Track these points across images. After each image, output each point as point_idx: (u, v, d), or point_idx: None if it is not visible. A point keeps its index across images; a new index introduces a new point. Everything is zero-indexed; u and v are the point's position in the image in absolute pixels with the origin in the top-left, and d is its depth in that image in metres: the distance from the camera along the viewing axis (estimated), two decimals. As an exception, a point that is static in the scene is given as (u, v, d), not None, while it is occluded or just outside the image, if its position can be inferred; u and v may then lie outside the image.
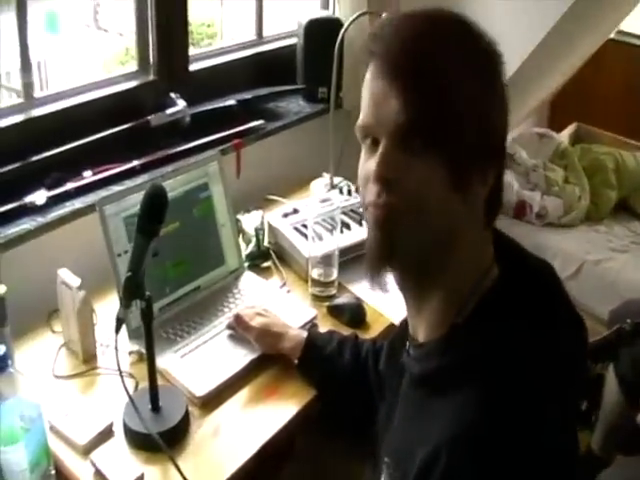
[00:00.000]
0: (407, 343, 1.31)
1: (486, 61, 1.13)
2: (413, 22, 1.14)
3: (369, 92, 1.14)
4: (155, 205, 1.56)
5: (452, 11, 1.17)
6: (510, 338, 1.11)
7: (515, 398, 1.06)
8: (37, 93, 2.33)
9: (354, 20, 2.63)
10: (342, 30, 2.63)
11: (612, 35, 4.04)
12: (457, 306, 1.16)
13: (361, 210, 2.40)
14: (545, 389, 1.10)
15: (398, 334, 1.42)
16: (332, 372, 1.81)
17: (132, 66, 2.67)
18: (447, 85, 1.07)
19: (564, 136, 4.19)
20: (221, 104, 2.71)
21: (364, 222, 1.23)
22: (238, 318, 1.93)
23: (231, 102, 2.72)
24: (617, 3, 3.46)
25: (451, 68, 1.08)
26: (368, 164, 1.15)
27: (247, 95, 2.81)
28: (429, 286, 1.20)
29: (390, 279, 1.23)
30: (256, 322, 1.92)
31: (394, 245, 1.15)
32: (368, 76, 1.14)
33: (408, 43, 1.10)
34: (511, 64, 3.02)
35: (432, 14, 1.17)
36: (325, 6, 3.39)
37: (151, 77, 2.60)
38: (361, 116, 1.15)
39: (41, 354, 1.92)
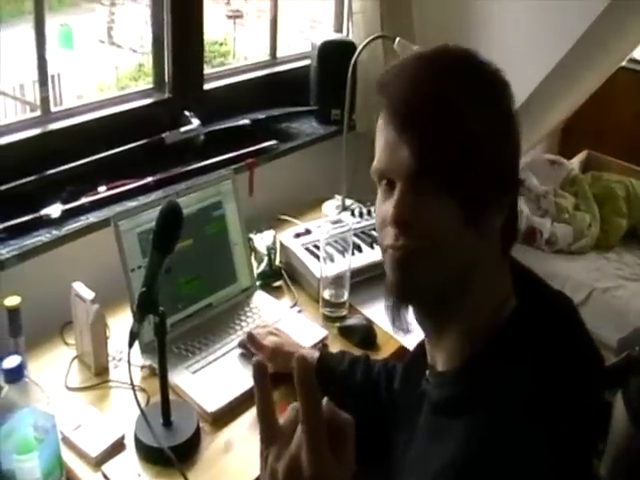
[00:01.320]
0: (427, 372, 1.32)
1: (493, 93, 1.15)
2: (417, 69, 1.16)
3: (382, 138, 1.16)
4: (171, 222, 1.58)
5: (457, 47, 1.20)
6: (526, 371, 1.11)
7: (522, 432, 1.06)
8: (52, 107, 2.35)
9: (367, 44, 2.65)
10: (356, 53, 2.65)
11: (623, 63, 4.05)
12: (475, 337, 1.17)
13: (373, 232, 2.42)
14: (558, 423, 1.10)
15: (414, 359, 1.41)
16: (343, 392, 1.80)
17: (145, 82, 2.69)
18: (455, 128, 1.09)
19: (575, 163, 4.20)
20: (235, 123, 2.73)
21: (383, 263, 1.22)
22: (251, 337, 1.93)
23: (245, 122, 2.74)
24: (629, 32, 3.47)
25: (458, 109, 1.10)
26: (385, 207, 1.17)
27: (260, 115, 2.83)
28: (447, 320, 1.21)
29: (410, 317, 1.25)
30: (268, 341, 1.92)
31: (413, 285, 1.17)
32: (380, 122, 1.17)
33: (412, 92, 1.12)
34: (523, 90, 3.06)
35: (435, 55, 1.20)
36: (339, 29, 3.42)
37: (166, 95, 2.63)
38: (376, 160, 1.18)
39: (54, 365, 1.93)
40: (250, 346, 1.94)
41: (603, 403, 2.64)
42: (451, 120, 1.10)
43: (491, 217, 1.14)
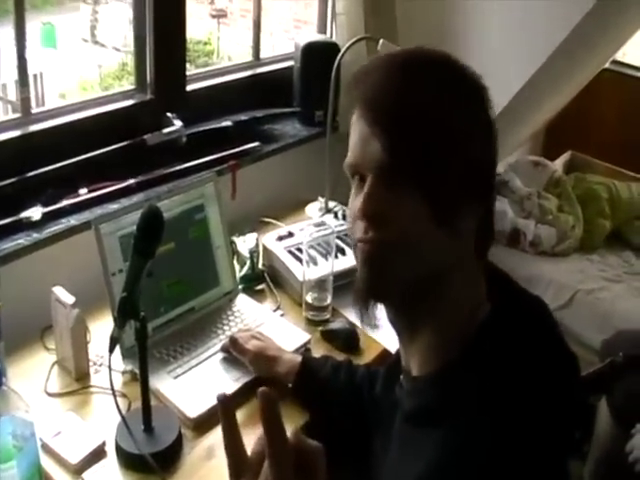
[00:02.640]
0: (401, 376, 1.31)
1: (468, 96, 1.15)
2: (391, 65, 1.17)
3: (355, 133, 1.17)
4: (151, 226, 1.57)
5: (434, 49, 1.20)
6: (501, 376, 1.11)
7: (501, 439, 1.06)
8: (33, 106, 2.33)
9: (351, 45, 2.64)
10: (339, 55, 2.64)
11: (607, 65, 4.06)
12: (448, 341, 1.16)
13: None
14: (535, 427, 1.10)
15: (393, 364, 1.41)
16: (326, 396, 1.80)
17: (128, 82, 2.67)
18: (426, 125, 1.09)
19: (558, 164, 4.21)
20: (217, 125, 2.71)
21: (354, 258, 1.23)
22: (233, 341, 1.92)
23: (227, 123, 2.73)
24: (613, 34, 3.48)
25: (430, 107, 1.10)
26: (356, 201, 1.16)
27: (243, 116, 2.82)
28: (419, 321, 1.20)
29: (381, 313, 1.24)
30: (251, 345, 1.91)
31: (382, 281, 1.16)
32: (354, 117, 1.17)
33: (385, 87, 1.12)
34: (508, 91, 3.06)
35: (411, 54, 1.21)
36: (322, 30, 3.41)
37: (148, 96, 2.61)
38: (349, 155, 1.18)
39: (34, 371, 1.90)
40: (233, 350, 1.93)
41: (582, 407, 2.65)
42: (422, 117, 1.10)
43: (464, 218, 1.13)
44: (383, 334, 2.07)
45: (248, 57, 3.22)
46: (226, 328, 2.09)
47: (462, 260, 1.17)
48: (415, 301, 1.18)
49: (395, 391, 1.32)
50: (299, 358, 1.87)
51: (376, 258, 1.15)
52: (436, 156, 1.09)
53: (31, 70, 2.33)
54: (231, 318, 2.13)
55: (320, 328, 2.15)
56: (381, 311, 1.23)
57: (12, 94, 4.56)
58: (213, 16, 6.95)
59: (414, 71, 1.14)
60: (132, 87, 2.64)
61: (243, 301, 2.22)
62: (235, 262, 2.30)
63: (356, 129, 1.16)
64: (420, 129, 1.09)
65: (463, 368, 1.13)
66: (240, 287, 2.26)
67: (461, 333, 1.15)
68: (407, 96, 1.11)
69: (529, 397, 1.11)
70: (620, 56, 4.32)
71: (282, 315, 2.22)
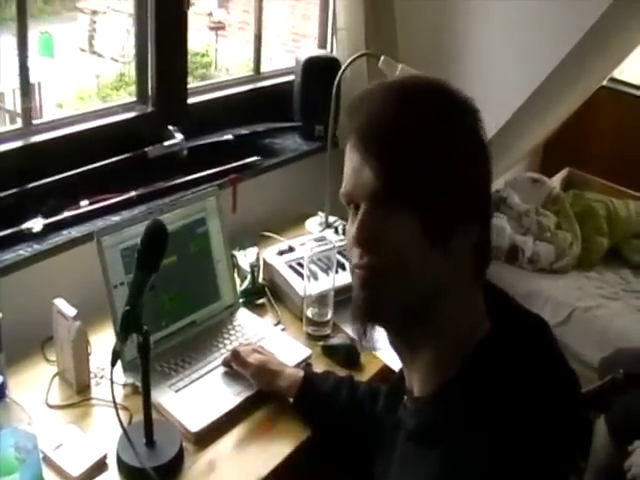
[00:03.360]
0: (405, 397, 1.32)
1: (461, 122, 1.18)
2: (383, 94, 1.20)
3: (348, 163, 1.20)
4: (156, 241, 1.57)
5: (427, 77, 1.26)
6: (500, 396, 1.12)
7: (501, 458, 1.07)
8: (33, 119, 2.33)
9: (352, 62, 2.65)
10: (340, 71, 2.65)
11: (604, 83, 4.08)
12: (448, 361, 1.18)
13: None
14: (533, 445, 1.11)
15: (397, 383, 1.42)
16: (328, 412, 1.81)
17: (126, 92, 2.68)
18: (417, 153, 1.12)
19: (556, 181, 4.21)
20: (218, 139, 2.72)
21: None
22: (235, 354, 1.92)
23: (228, 137, 2.73)
24: (610, 52, 3.49)
25: (421, 136, 1.13)
26: (351, 229, 1.19)
27: (244, 130, 2.82)
28: (418, 341, 1.23)
29: (381, 334, 1.26)
30: (253, 359, 1.91)
31: (379, 304, 1.19)
32: (347, 148, 1.20)
33: (376, 117, 1.16)
34: (509, 107, 3.08)
35: (403, 82, 1.25)
36: (323, 45, 3.41)
37: (149, 109, 2.61)
38: (343, 184, 1.21)
39: (34, 382, 1.90)
40: (234, 363, 1.93)
41: (581, 424, 2.65)
42: (413, 145, 1.12)
43: (459, 240, 1.15)
44: (383, 350, 2.07)
45: (246, 69, 3.23)
46: (227, 342, 2.09)
47: (459, 280, 1.19)
48: (413, 323, 1.20)
49: (398, 411, 1.33)
50: (301, 373, 1.88)
51: (372, 283, 1.18)
52: (428, 183, 1.12)
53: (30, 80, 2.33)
54: (232, 332, 2.13)
55: (321, 343, 2.15)
56: (380, 332, 1.26)
57: (9, 103, 4.57)
58: (211, 28, 6.97)
59: (406, 100, 1.17)
60: (133, 99, 2.64)
61: (244, 315, 2.22)
62: (236, 276, 2.30)
63: (349, 159, 1.19)
64: (411, 157, 1.12)
65: (462, 387, 1.15)
66: (241, 301, 2.26)
67: (460, 352, 1.17)
68: (398, 125, 1.14)
69: (528, 415, 1.12)
70: (617, 74, 4.34)
71: (283, 330, 2.22)
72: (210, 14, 6.88)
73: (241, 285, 2.30)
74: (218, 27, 6.98)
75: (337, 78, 2.65)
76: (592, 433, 2.68)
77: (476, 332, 1.19)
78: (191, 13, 2.64)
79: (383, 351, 2.01)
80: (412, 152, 1.12)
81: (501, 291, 1.29)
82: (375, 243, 1.15)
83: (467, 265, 1.19)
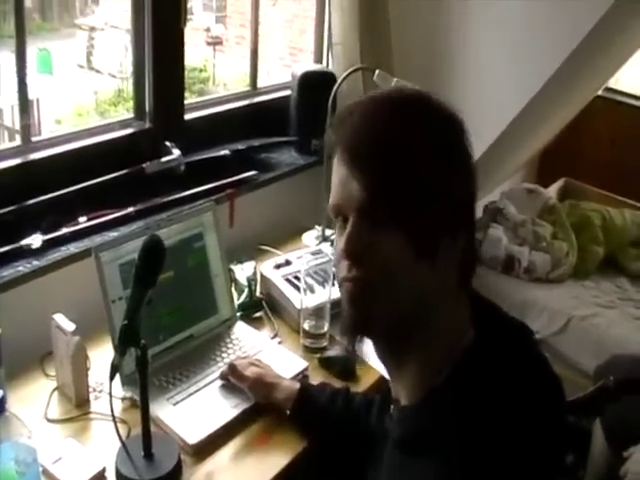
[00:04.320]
0: (391, 407, 1.34)
1: (444, 134, 1.19)
2: (368, 107, 1.21)
3: (335, 175, 1.21)
4: (153, 257, 1.60)
5: (414, 90, 1.29)
6: (485, 402, 1.14)
7: (488, 465, 1.09)
8: (32, 137, 2.35)
9: (347, 76, 2.68)
10: (336, 85, 2.67)
11: (600, 92, 4.10)
12: (434, 369, 1.20)
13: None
14: (521, 451, 1.13)
15: (387, 393, 1.43)
16: (324, 423, 1.82)
17: (124, 108, 2.70)
18: (401, 165, 1.14)
19: (552, 191, 4.23)
20: (215, 154, 2.74)
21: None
22: (232, 367, 1.94)
23: (225, 152, 2.75)
24: (605, 61, 3.52)
25: (406, 148, 1.15)
26: (339, 241, 1.20)
27: (241, 145, 2.84)
28: (405, 353, 1.24)
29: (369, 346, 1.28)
30: (250, 372, 1.93)
31: (367, 317, 1.20)
32: (335, 161, 1.22)
33: (362, 132, 1.17)
34: (505, 118, 3.10)
35: (389, 95, 1.27)
36: (319, 59, 3.44)
37: (147, 125, 2.63)
38: (331, 197, 1.22)
39: (34, 397, 1.92)
40: (231, 377, 1.95)
41: (573, 429, 2.66)
42: (398, 157, 1.14)
43: (445, 251, 1.17)
44: (373, 361, 2.09)
45: (243, 84, 3.25)
46: (224, 355, 2.10)
47: (445, 291, 1.21)
48: (401, 334, 1.22)
49: (385, 421, 1.35)
50: (297, 385, 1.89)
51: (360, 296, 1.19)
52: (415, 193, 1.13)
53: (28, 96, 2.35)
54: (229, 345, 2.15)
55: (317, 355, 2.17)
56: (369, 344, 1.28)
57: (8, 120, 4.59)
58: (209, 43, 6.98)
59: (392, 113, 1.19)
60: (131, 115, 2.66)
61: (241, 329, 2.24)
62: (233, 290, 2.32)
63: (337, 171, 1.20)
64: (397, 170, 1.14)
65: (449, 394, 1.16)
66: (238, 315, 2.28)
67: (446, 361, 1.19)
68: (384, 138, 1.15)
69: (515, 420, 1.14)
70: (613, 83, 4.36)
71: (280, 342, 2.23)
72: (208, 29, 6.90)
73: (238, 299, 2.32)
74: (216, 42, 6.99)
75: (332, 92, 2.67)
76: (586, 439, 2.69)
77: (462, 340, 1.20)
78: (188, 28, 2.66)
79: (373, 362, 2.03)
80: (398, 165, 1.13)
81: (486, 300, 1.31)
82: (363, 256, 1.16)
83: (453, 276, 1.21)
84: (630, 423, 2.47)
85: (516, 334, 1.28)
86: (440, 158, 1.16)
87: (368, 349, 1.31)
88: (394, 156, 1.14)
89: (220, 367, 2.03)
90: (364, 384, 2.07)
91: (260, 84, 3.22)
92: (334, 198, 1.21)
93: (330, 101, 2.66)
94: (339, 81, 2.69)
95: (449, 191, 1.16)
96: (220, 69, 6.90)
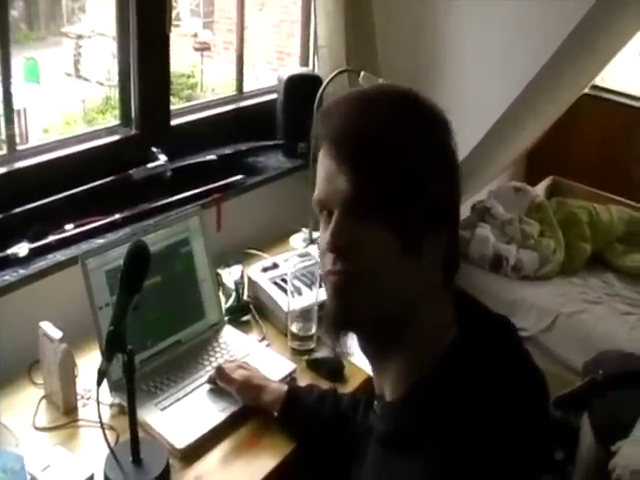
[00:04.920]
0: (375, 403, 1.35)
1: (431, 130, 1.21)
2: (354, 102, 1.23)
3: (321, 170, 1.22)
4: (138, 263, 1.61)
5: (397, 86, 1.27)
6: (467, 399, 1.15)
7: (473, 463, 1.10)
8: (17, 142, 2.35)
9: (333, 78, 2.69)
10: (321, 88, 2.68)
11: (586, 90, 4.11)
12: (419, 365, 1.21)
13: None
14: (505, 447, 1.14)
15: (371, 391, 1.44)
16: (312, 425, 1.83)
17: (112, 115, 2.70)
18: (388, 159, 1.15)
19: (540, 189, 4.25)
20: (202, 159, 2.74)
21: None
22: (220, 370, 1.95)
23: (211, 157, 2.75)
24: (590, 61, 3.53)
25: (392, 141, 1.16)
26: (324, 235, 1.21)
27: (227, 150, 2.84)
28: (389, 348, 1.25)
29: (353, 341, 1.29)
30: (238, 375, 1.94)
31: (352, 310, 1.22)
32: (320, 155, 1.22)
33: (348, 123, 1.18)
34: (489, 119, 3.10)
35: (375, 91, 1.28)
36: (305, 63, 3.45)
37: (133, 131, 2.64)
38: (316, 191, 1.23)
39: (22, 405, 1.92)
40: (219, 380, 1.95)
41: (560, 424, 2.69)
42: (385, 152, 1.15)
43: (430, 247, 1.18)
44: (357, 356, 2.10)
45: (232, 89, 3.25)
46: (212, 360, 2.11)
47: (429, 287, 1.22)
48: (385, 329, 1.23)
49: (369, 417, 1.36)
50: (285, 387, 1.90)
51: (345, 289, 1.20)
52: (400, 188, 1.15)
53: (15, 106, 2.36)
54: (217, 350, 2.16)
55: (305, 357, 2.18)
56: (353, 339, 1.28)
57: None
58: (196, 49, 7.00)
59: (377, 107, 1.20)
60: (117, 122, 2.66)
61: (229, 333, 2.24)
62: (221, 294, 2.33)
63: (322, 165, 1.21)
64: (383, 163, 1.15)
65: (430, 392, 1.17)
66: (226, 319, 2.29)
67: (430, 357, 1.20)
68: (370, 131, 1.16)
69: (496, 418, 1.15)
70: (599, 81, 4.38)
71: (268, 345, 2.24)
72: (195, 35, 6.92)
73: (226, 303, 2.33)
74: (203, 48, 7.01)
75: (318, 95, 2.68)
76: (575, 435, 2.71)
77: (445, 336, 1.21)
78: (176, 34, 2.67)
79: (359, 360, 2.03)
80: (384, 160, 1.15)
81: (470, 297, 1.32)
82: (349, 249, 1.17)
83: (437, 272, 1.22)
84: (618, 417, 2.49)
85: (499, 330, 1.30)
86: (425, 154, 1.18)
87: (354, 346, 1.31)
88: (380, 151, 1.15)
89: (208, 371, 2.03)
90: (352, 385, 2.08)
91: (248, 88, 3.23)
92: (319, 192, 1.22)
93: (316, 104, 2.67)
94: (324, 84, 2.69)
95: (434, 188, 1.18)
96: (209, 75, 6.92)
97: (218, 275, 2.36)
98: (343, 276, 1.19)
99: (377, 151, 1.15)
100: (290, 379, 2.06)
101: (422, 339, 1.22)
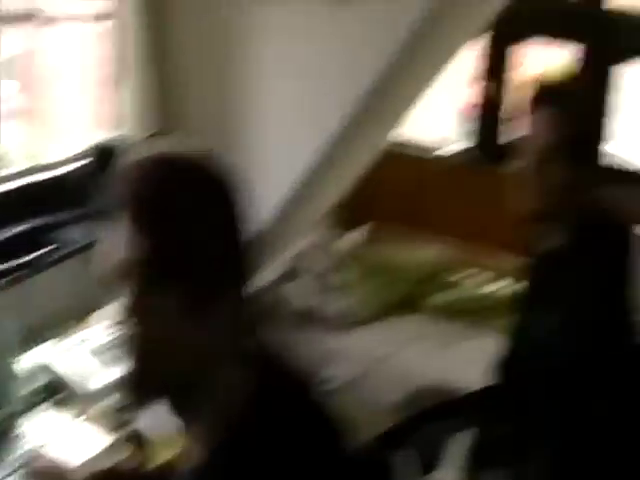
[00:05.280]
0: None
1: (212, 195, 1.24)
2: (144, 168, 1.26)
3: (115, 233, 1.22)
4: None
5: (191, 151, 1.29)
6: (261, 465, 1.17)
7: None
8: None
9: (137, 144, 2.69)
10: (120, 156, 2.66)
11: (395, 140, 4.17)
12: (214, 429, 1.21)
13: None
14: None
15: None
16: None
17: None
18: (173, 227, 1.18)
19: (355, 236, 4.29)
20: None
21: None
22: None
23: (7, 234, 2.67)
24: (389, 112, 3.58)
25: (177, 210, 1.19)
26: (122, 300, 1.21)
27: (35, 223, 2.78)
28: (189, 411, 1.26)
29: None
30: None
31: (147, 374, 1.23)
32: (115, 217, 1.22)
33: (138, 191, 1.21)
34: (297, 171, 3.09)
35: (167, 158, 1.28)
36: (116, 128, 3.41)
37: None
38: (115, 254, 1.22)
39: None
40: None
41: (371, 464, 2.73)
42: (171, 219, 1.18)
43: (216, 307, 1.21)
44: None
45: (38, 159, 3.17)
46: (19, 449, 2.05)
47: (226, 346, 1.25)
48: (184, 391, 1.24)
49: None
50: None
51: (141, 353, 1.21)
52: (186, 256, 1.18)
53: None
54: (22, 438, 2.09)
55: (120, 431, 2.15)
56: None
57: None
58: (9, 116, 6.80)
59: (165, 175, 1.23)
60: None
61: (36, 417, 2.19)
62: (24, 379, 2.26)
63: (116, 229, 1.21)
64: (169, 231, 1.18)
65: (224, 456, 1.19)
66: (32, 403, 2.23)
67: (226, 419, 1.21)
68: (157, 199, 1.19)
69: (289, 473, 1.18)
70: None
71: (80, 423, 2.20)
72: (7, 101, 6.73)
73: (30, 387, 2.27)
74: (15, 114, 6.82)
75: (118, 163, 2.65)
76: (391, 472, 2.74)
77: (241, 398, 1.22)
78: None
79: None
80: (170, 226, 1.18)
81: (274, 353, 1.34)
82: (142, 313, 1.18)
83: (233, 331, 1.25)
84: (435, 450, 2.55)
85: (297, 386, 1.33)
86: (212, 219, 1.22)
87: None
88: (166, 217, 1.18)
89: (17, 459, 1.98)
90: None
91: (62, 156, 3.17)
92: (115, 255, 1.21)
93: (115, 172, 2.64)
94: (126, 151, 2.68)
95: (217, 250, 1.21)
96: (25, 143, 6.74)
97: (18, 360, 2.27)
98: (138, 340, 1.20)
99: (163, 219, 1.18)
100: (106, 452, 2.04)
101: (222, 398, 1.23)
